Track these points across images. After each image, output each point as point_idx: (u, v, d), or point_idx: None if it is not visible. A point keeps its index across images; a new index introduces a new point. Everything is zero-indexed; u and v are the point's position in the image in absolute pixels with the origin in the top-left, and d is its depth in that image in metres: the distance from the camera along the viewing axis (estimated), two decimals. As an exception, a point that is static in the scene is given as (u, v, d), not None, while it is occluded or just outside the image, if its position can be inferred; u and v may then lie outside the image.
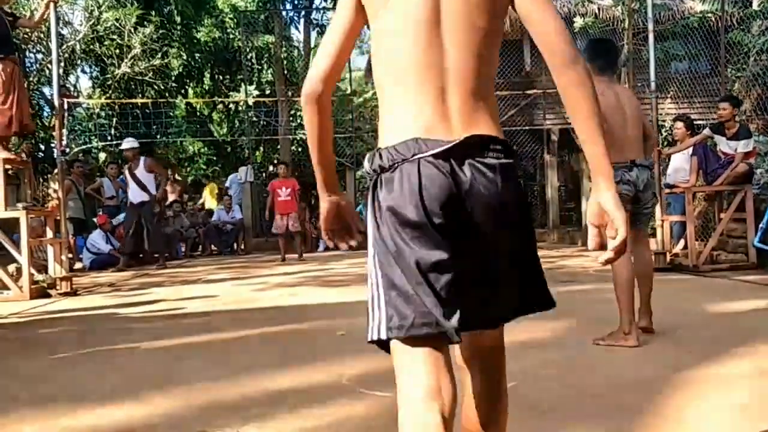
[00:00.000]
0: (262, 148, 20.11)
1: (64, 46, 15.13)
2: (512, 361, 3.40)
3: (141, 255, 11.70)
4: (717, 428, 2.34)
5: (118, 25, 15.87)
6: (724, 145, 7.94)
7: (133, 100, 16.05)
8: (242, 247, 14.82)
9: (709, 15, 12.73)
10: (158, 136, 17.52)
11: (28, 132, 8.43)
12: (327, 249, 14.41)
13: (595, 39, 4.59)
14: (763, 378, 2.98)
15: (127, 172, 11.20)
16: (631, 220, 3.81)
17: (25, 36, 14.33)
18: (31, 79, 15.26)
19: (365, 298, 1.42)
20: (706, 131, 8.08)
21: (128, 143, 11.43)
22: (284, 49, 18.96)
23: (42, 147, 17.44)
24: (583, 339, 3.98)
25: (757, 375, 3.02)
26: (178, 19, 18.36)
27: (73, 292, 7.43)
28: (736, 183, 7.69)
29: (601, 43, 4.31)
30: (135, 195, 11.03)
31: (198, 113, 21.30)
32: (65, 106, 13.33)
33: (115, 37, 16.32)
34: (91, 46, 16.69)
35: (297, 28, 20.15)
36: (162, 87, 17.59)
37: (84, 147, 16.31)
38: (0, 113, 7.21)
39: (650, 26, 8.51)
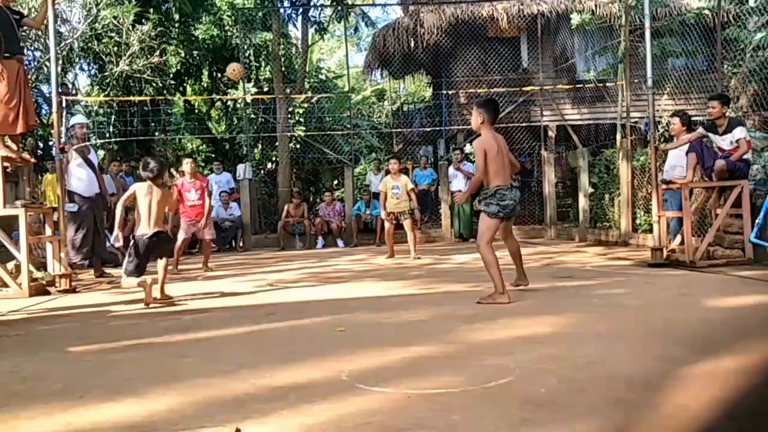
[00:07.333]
0: (260, 145, 20.10)
1: (63, 44, 15.12)
2: (509, 355, 3.46)
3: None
4: (712, 422, 2.37)
5: (116, 22, 15.86)
6: (719, 142, 8.01)
7: (132, 98, 16.04)
8: (241, 244, 14.81)
9: (706, 11, 12.78)
10: (156, 134, 17.54)
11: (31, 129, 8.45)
12: (325, 246, 14.46)
13: (486, 99, 6.23)
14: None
15: (76, 153, 8.99)
16: (505, 222, 5.67)
17: (23, 34, 14.31)
18: (29, 76, 15.25)
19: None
20: (701, 129, 8.20)
21: (82, 118, 10.19)
22: (282, 46, 18.93)
23: (41, 144, 17.44)
24: (580, 334, 4.02)
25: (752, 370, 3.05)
26: (176, 16, 18.36)
27: (73, 290, 7.45)
28: (731, 178, 7.73)
29: (491, 102, 5.90)
30: (92, 185, 9.07)
31: (196, 111, 21.29)
32: (64, 104, 13.34)
33: (113, 34, 16.31)
34: (90, 44, 16.69)
35: (295, 25, 20.13)
36: (160, 84, 17.57)
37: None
38: (5, 112, 7.21)
39: (647, 23, 8.56)
